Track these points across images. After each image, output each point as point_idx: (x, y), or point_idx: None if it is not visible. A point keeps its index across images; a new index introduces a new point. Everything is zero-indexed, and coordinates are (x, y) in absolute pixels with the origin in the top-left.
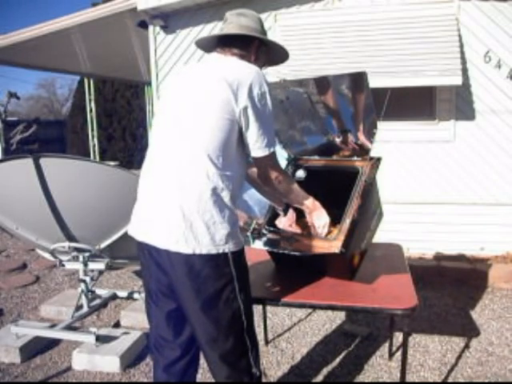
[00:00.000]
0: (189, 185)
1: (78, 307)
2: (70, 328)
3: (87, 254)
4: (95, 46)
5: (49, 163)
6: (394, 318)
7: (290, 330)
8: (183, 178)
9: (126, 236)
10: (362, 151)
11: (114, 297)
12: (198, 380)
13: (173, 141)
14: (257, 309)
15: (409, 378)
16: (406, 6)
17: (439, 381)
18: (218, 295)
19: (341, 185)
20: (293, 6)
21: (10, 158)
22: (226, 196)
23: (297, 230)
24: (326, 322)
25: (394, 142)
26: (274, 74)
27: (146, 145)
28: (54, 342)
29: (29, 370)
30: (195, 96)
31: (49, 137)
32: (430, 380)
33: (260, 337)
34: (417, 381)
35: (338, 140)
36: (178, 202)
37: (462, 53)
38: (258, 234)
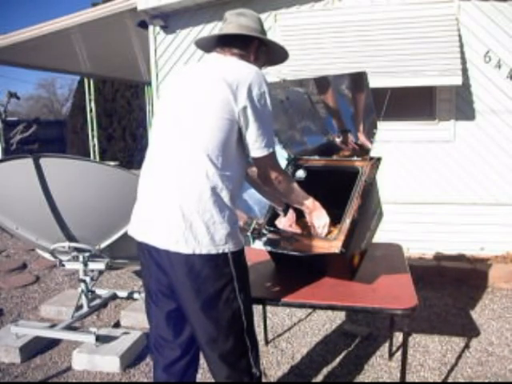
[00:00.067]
0: (188, 185)
1: (78, 307)
2: (70, 328)
3: (87, 254)
4: (95, 46)
5: (49, 163)
6: (394, 317)
7: (289, 330)
8: (183, 178)
9: (125, 236)
10: (362, 151)
11: (114, 297)
12: (198, 380)
13: (172, 141)
14: (257, 309)
15: (409, 378)
16: (406, 6)
17: (439, 381)
18: (217, 295)
19: (341, 185)
20: (293, 6)
21: (9, 158)
22: (225, 196)
23: (297, 230)
24: (326, 322)
25: (393, 142)
26: (274, 73)
27: (145, 145)
28: (54, 342)
29: (29, 370)
30: (195, 96)
31: (49, 137)
32: (430, 380)
33: (260, 337)
34: (417, 381)
35: (338, 140)
36: (177, 202)
37: (462, 53)
38: (258, 234)
